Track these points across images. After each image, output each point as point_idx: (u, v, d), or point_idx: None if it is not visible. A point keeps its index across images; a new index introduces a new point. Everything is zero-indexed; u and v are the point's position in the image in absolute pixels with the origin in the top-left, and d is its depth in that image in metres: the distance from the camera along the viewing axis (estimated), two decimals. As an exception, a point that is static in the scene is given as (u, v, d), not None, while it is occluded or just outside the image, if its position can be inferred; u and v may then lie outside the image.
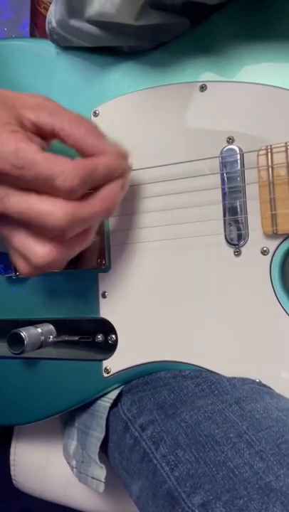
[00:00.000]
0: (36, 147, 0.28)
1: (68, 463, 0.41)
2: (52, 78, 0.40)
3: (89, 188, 0.29)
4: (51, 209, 0.28)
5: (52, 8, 0.39)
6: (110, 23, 0.33)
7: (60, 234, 0.29)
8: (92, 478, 0.37)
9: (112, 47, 0.38)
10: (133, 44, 0.37)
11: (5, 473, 0.47)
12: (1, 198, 0.28)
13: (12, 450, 0.47)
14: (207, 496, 0.27)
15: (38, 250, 0.29)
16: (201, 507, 0.26)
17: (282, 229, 0.31)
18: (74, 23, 0.36)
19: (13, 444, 0.47)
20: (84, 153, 0.30)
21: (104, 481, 0.36)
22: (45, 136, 0.30)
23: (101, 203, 0.30)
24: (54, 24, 0.38)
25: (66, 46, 0.40)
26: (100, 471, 0.37)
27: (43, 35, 0.44)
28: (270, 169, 0.31)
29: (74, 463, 0.40)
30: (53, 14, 0.38)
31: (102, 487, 0.36)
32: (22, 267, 0.30)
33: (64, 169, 0.27)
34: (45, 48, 0.41)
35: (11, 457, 0.47)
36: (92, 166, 0.29)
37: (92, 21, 0.35)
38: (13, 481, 0.47)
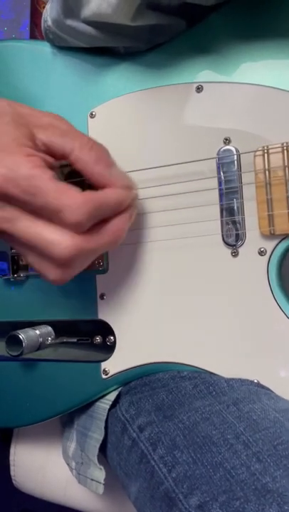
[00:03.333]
0: (50, 175, 0.28)
1: (67, 464, 0.41)
2: (49, 79, 0.40)
3: (97, 221, 0.29)
4: (58, 239, 0.28)
5: (48, 6, 0.39)
6: (106, 23, 0.33)
7: (64, 263, 0.28)
8: (92, 479, 0.37)
9: (109, 48, 0.38)
10: (129, 45, 0.36)
11: (5, 474, 0.47)
12: (9, 219, 0.28)
13: (12, 450, 0.47)
14: (204, 497, 0.27)
15: (56, 238, 0.28)
16: (198, 508, 0.26)
17: (280, 229, 0.31)
18: (70, 22, 0.36)
19: (12, 445, 0.47)
20: (91, 180, 0.30)
21: (103, 482, 0.36)
22: (56, 157, 0.30)
23: (108, 237, 0.30)
24: (50, 23, 0.38)
25: (63, 47, 0.40)
26: (100, 473, 0.37)
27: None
28: (266, 170, 0.31)
29: (73, 464, 0.40)
30: (49, 13, 0.38)
31: (101, 489, 0.36)
32: (49, 271, 0.29)
33: (73, 202, 0.27)
34: (42, 49, 0.41)
35: (11, 457, 0.47)
36: (101, 200, 0.29)
37: (88, 21, 0.35)
38: (13, 481, 0.47)
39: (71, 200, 0.27)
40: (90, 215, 0.28)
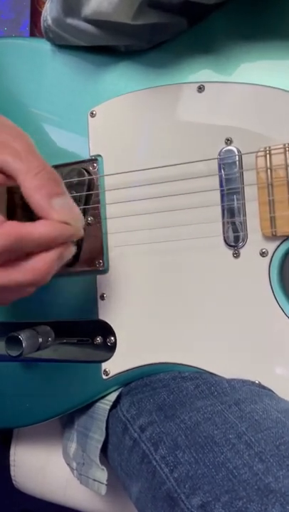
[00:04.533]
0: None
1: (68, 464, 0.41)
2: (48, 78, 0.40)
3: (23, 253, 0.28)
4: None
5: (48, 5, 0.38)
6: (107, 22, 0.33)
7: None
8: (94, 480, 0.37)
9: (109, 46, 0.37)
10: (130, 43, 0.36)
11: (5, 474, 0.47)
12: None
13: (12, 451, 0.47)
14: (206, 497, 0.27)
15: None
16: (201, 508, 0.27)
17: (281, 231, 0.31)
18: (70, 21, 0.36)
19: (13, 445, 0.47)
20: (33, 208, 0.28)
21: (105, 483, 0.36)
22: (8, 177, 0.29)
23: (25, 274, 0.28)
24: (50, 22, 0.38)
25: (62, 45, 0.39)
26: (102, 473, 0.37)
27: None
28: (268, 171, 0.31)
29: (74, 465, 0.40)
30: (49, 12, 0.37)
31: (103, 489, 0.36)
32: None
33: None
34: (42, 47, 0.40)
35: (11, 458, 0.47)
36: (23, 233, 0.27)
37: (88, 20, 0.34)
38: (13, 482, 0.47)
39: None
40: (5, 247, 0.26)
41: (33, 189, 0.28)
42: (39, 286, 0.30)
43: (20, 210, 0.33)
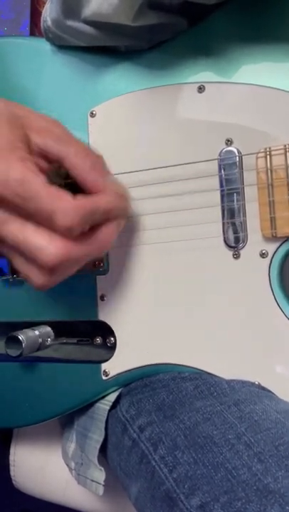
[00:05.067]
0: (42, 180, 0.27)
1: (67, 464, 0.41)
2: (48, 78, 0.40)
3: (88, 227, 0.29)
4: (45, 245, 0.28)
5: (47, 6, 0.38)
6: (107, 23, 0.33)
7: (51, 268, 0.28)
8: (92, 480, 0.37)
9: (109, 47, 0.37)
10: (130, 44, 0.36)
11: (5, 474, 0.47)
12: (0, 222, 0.28)
13: (12, 451, 0.47)
14: (205, 498, 0.27)
15: (44, 243, 0.28)
16: (200, 508, 0.27)
17: (281, 232, 0.31)
18: (70, 22, 0.36)
19: (12, 445, 0.47)
20: (84, 187, 0.30)
21: (103, 483, 0.36)
22: (50, 161, 0.30)
23: (96, 245, 0.29)
24: (49, 23, 0.38)
25: (62, 45, 0.39)
26: (99, 474, 0.37)
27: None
28: (269, 171, 0.31)
29: (73, 465, 0.40)
30: (49, 13, 0.38)
31: (101, 490, 0.36)
32: (35, 276, 0.29)
33: (65, 207, 0.27)
34: (42, 47, 0.40)
35: (11, 457, 0.47)
36: (93, 207, 0.29)
37: (88, 21, 0.34)
38: (13, 481, 0.47)
39: (63, 204, 0.27)
40: (81, 220, 0.28)
41: (88, 169, 0.30)
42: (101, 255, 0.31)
43: None
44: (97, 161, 0.31)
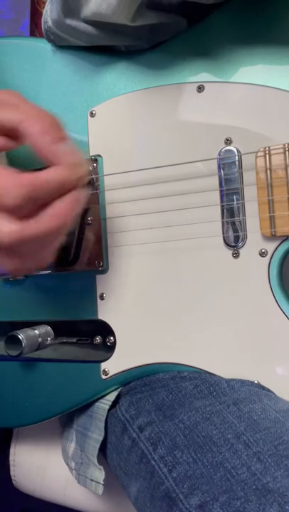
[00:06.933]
0: None
1: (67, 464, 0.41)
2: (47, 77, 0.40)
3: (41, 203, 0.28)
4: None
5: (48, 7, 0.38)
6: (106, 23, 0.33)
7: (9, 249, 0.27)
8: (91, 480, 0.37)
9: (109, 46, 0.37)
10: (130, 44, 0.36)
11: (5, 474, 0.47)
12: None
13: (12, 450, 0.47)
14: (204, 497, 0.27)
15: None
16: (199, 508, 0.27)
17: (281, 231, 0.31)
18: (70, 22, 0.36)
19: (12, 445, 0.47)
20: (39, 156, 0.28)
21: (103, 483, 0.36)
22: (10, 135, 0.29)
23: (50, 221, 0.28)
24: (50, 24, 0.38)
25: (62, 45, 0.39)
26: (99, 473, 0.37)
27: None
28: (268, 171, 0.31)
29: (73, 464, 0.40)
30: (49, 13, 0.38)
31: (100, 489, 0.36)
32: (3, 260, 0.28)
33: (7, 185, 0.26)
34: (42, 47, 0.40)
35: (11, 458, 0.47)
36: (40, 181, 0.27)
37: (88, 21, 0.34)
38: (13, 481, 0.47)
39: (5, 182, 0.26)
40: (25, 198, 0.26)
41: (37, 134, 0.28)
42: (65, 233, 0.29)
43: None
44: (51, 126, 0.28)
